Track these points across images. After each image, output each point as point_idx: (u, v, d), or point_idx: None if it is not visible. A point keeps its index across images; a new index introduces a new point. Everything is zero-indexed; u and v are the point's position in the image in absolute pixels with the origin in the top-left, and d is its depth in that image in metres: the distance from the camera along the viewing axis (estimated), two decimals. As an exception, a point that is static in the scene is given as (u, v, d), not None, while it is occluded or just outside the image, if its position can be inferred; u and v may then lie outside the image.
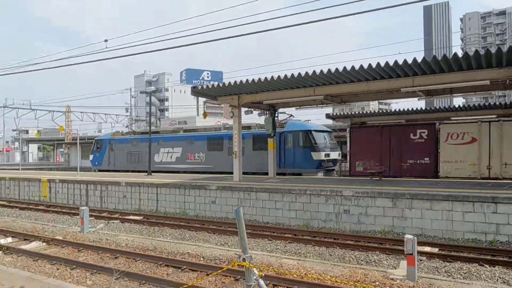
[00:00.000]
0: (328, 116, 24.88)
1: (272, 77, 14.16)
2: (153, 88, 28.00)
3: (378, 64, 12.10)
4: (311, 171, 21.70)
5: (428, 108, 21.67)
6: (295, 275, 7.83)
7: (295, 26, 12.02)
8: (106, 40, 15.13)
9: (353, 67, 12.59)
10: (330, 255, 10.12)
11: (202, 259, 9.73)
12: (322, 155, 21.43)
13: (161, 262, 9.50)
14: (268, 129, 19.10)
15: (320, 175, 21.96)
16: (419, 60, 11.62)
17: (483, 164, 17.75)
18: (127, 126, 31.68)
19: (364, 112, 25.98)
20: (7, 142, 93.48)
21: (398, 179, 17.76)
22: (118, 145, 31.36)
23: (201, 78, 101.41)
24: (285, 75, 13.87)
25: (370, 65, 12.25)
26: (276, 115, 19.96)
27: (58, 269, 9.52)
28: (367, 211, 12.51)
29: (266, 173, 20.50)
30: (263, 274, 3.41)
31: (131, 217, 16.35)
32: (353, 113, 24.44)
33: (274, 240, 11.80)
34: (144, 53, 16.96)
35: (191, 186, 16.44)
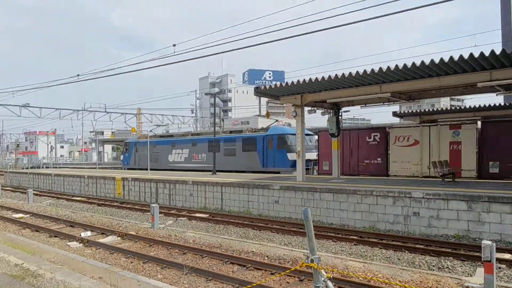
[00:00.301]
0: (395, 114, 23.90)
1: (336, 75, 13.89)
2: (216, 89, 28.70)
3: (451, 58, 11.38)
4: (287, 170, 23.83)
5: (507, 104, 20.03)
6: (361, 278, 7.61)
7: (359, 22, 11.68)
8: (174, 45, 15.82)
9: (422, 62, 11.96)
10: (399, 259, 9.71)
11: (266, 258, 9.80)
12: (295, 156, 22.27)
13: (227, 260, 9.71)
14: (332, 128, 18.76)
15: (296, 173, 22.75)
16: (498, 52, 10.75)
17: (424, 164, 19.60)
18: (150, 130, 34.65)
19: (435, 109, 24.59)
20: (85, 143, 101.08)
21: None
22: (141, 147, 34.69)
23: (263, 78, 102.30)
24: (350, 73, 13.54)
25: (441, 59, 11.56)
26: (340, 114, 19.55)
27: (132, 262, 10.11)
28: (439, 214, 11.82)
29: (254, 171, 24.93)
30: (331, 276, 3.34)
31: (198, 214, 16.91)
32: (422, 110, 23.23)
33: (339, 242, 11.57)
34: (209, 56, 17.42)
35: (255, 186, 16.63)
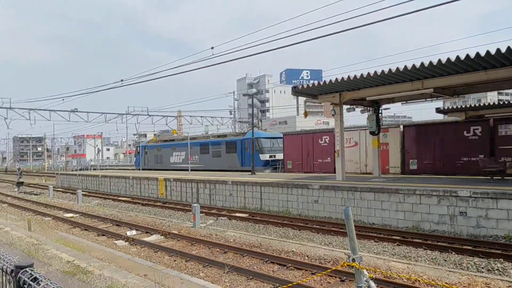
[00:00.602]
0: (438, 110, 22.99)
1: (375, 72, 13.60)
2: (254, 90, 28.88)
3: (498, 50, 10.83)
4: (259, 168, 27.31)
5: None
6: (405, 280, 7.41)
7: (399, 16, 11.35)
8: (212, 48, 15.97)
9: (467, 56, 11.46)
10: (445, 260, 9.37)
11: (306, 258, 9.76)
12: (267, 156, 28.00)
13: (267, 259, 9.76)
14: (372, 127, 18.37)
15: (267, 171, 27.63)
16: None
17: (362, 162, 22.95)
18: (158, 135, 37.92)
19: (481, 104, 23.38)
20: (130, 145, 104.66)
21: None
22: (149, 150, 39.40)
23: (300, 77, 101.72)
24: (389, 69, 13.21)
25: (488, 52, 11.02)
26: (380, 111, 19.10)
27: (175, 260, 10.39)
28: (488, 213, 11.28)
29: (236, 170, 27.75)
30: (373, 276, 3.30)
31: (237, 214, 17.10)
32: (467, 105, 22.22)
33: (381, 242, 11.33)
34: (246, 57, 17.57)
35: (294, 185, 16.59)
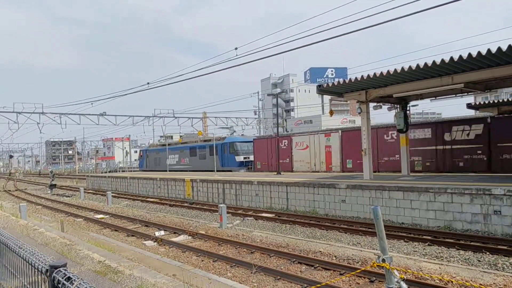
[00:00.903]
0: (469, 106, 22.31)
1: (402, 68, 13.31)
2: (278, 90, 28.84)
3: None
4: (236, 168, 32.20)
5: None
6: (437, 280, 7.22)
7: (427, 10, 11.04)
8: (236, 48, 16.03)
9: (499, 49, 11.04)
10: (479, 260, 9.06)
11: (334, 258, 9.65)
12: (241, 158, 32.55)
13: (294, 259, 9.71)
14: (399, 124, 17.98)
15: (242, 171, 31.94)
16: None
17: (312, 162, 26.36)
18: (159, 140, 43.47)
19: (515, 99, 22.51)
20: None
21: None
22: (149, 154, 44.76)
23: (325, 76, 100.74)
24: (417, 65, 12.89)
25: (522, 44, 10.59)
26: (408, 108, 18.68)
27: (202, 260, 10.48)
28: (525, 212, 10.83)
29: (218, 170, 30.93)
30: (405, 277, 3.21)
31: (264, 214, 17.09)
32: (500, 100, 21.44)
33: (411, 242, 11.07)
34: (270, 57, 17.51)
35: (320, 185, 16.44)
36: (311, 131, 30.52)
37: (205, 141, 36.50)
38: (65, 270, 1.74)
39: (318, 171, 25.43)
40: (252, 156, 31.72)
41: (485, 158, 18.27)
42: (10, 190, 40.76)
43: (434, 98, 17.82)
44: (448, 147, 19.47)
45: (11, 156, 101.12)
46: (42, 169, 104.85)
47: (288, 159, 28.05)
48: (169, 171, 37.33)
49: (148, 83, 22.25)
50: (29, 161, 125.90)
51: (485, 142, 18.30)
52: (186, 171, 35.88)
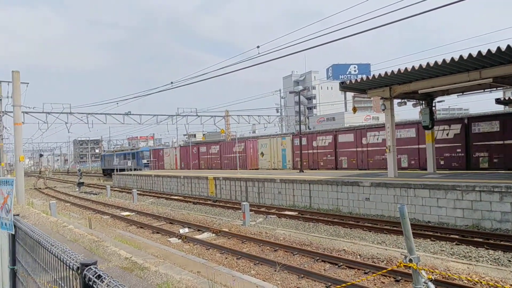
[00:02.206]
0: (498, 101, 21.63)
1: (428, 63, 13.01)
2: (300, 87, 28.69)
3: None
4: (142, 167, 47.02)
5: None
6: (465, 281, 7.04)
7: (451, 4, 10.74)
8: (258, 46, 16.02)
9: (531, 42, 10.64)
10: (509, 260, 8.80)
11: (358, 257, 9.55)
12: (145, 161, 47.92)
13: (318, 258, 9.66)
14: (425, 121, 17.57)
15: (146, 169, 45.57)
16: None
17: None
18: (121, 145, 59.33)
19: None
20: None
21: None
22: (106, 157, 61.99)
23: (347, 72, 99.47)
24: (443, 60, 12.57)
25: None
26: (434, 104, 18.24)
27: (226, 258, 10.56)
28: (558, 211, 10.44)
29: (134, 169, 43.83)
30: (433, 277, 3.15)
31: (287, 212, 17.07)
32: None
33: (438, 241, 10.84)
34: (292, 54, 17.43)
35: (343, 183, 16.29)
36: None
37: (131, 149, 57.41)
38: (96, 268, 1.79)
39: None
40: (149, 159, 47.47)
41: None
42: (40, 188, 42.10)
43: (461, 93, 17.32)
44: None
45: (41, 155, 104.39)
46: (70, 167, 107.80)
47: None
48: (117, 169, 49.05)
49: (171, 83, 22.55)
50: (58, 159, 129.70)
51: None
52: (124, 169, 46.68)
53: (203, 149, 38.50)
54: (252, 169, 31.75)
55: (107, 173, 57.03)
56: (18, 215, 3.89)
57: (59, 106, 34.75)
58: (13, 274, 3.83)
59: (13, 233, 3.79)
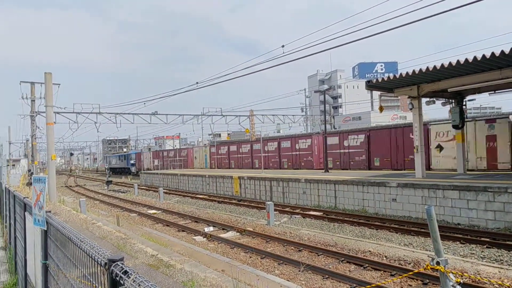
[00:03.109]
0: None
1: (458, 61, 12.64)
2: (326, 86, 28.41)
3: None
4: (131, 167, 60.05)
5: None
6: (496, 285, 6.82)
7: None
8: (283, 46, 15.94)
9: None
10: (545, 266, 8.44)
11: (384, 258, 9.40)
12: (132, 161, 60.47)
13: (343, 259, 9.57)
14: (455, 120, 17.09)
15: (133, 168, 59.07)
16: None
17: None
18: (125, 148, 72.12)
19: None
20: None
21: None
22: (109, 158, 78.00)
23: (374, 71, 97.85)
24: (474, 57, 12.19)
25: None
26: (464, 103, 17.72)
27: (250, 257, 10.60)
28: None
29: (124, 167, 65.16)
30: (461, 281, 3.07)
31: (311, 212, 16.96)
32: None
33: (468, 244, 10.52)
34: (317, 53, 17.31)
35: (370, 183, 16.05)
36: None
37: (124, 153, 71.57)
38: (122, 264, 1.84)
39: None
40: (134, 160, 60.05)
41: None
42: (71, 186, 43.43)
43: (493, 92, 16.76)
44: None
45: (71, 154, 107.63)
46: (99, 166, 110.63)
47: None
48: (114, 168, 67.78)
49: (197, 83, 22.83)
50: (87, 158, 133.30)
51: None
52: (116, 167, 66.85)
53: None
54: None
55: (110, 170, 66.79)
56: (50, 211, 4.03)
57: (88, 106, 35.75)
58: (45, 269, 3.96)
59: (45, 229, 3.93)
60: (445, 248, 10.18)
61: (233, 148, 38.78)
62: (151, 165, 52.96)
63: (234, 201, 22.41)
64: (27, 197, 5.73)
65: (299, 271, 8.89)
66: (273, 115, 48.41)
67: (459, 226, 12.52)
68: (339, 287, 7.91)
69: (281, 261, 9.78)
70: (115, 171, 66.61)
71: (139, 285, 1.61)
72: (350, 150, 26.08)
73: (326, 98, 28.23)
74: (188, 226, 15.32)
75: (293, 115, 51.21)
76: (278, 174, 23.75)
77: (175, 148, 67.51)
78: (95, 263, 2.17)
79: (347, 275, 8.35)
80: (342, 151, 26.65)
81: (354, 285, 7.74)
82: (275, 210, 16.39)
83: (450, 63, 12.87)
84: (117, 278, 1.78)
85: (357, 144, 25.58)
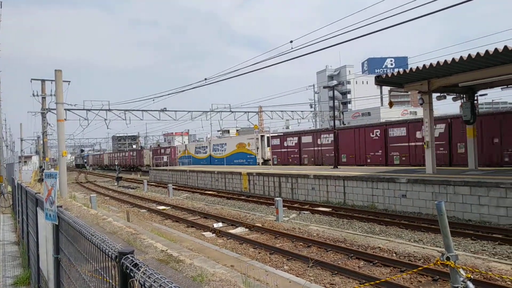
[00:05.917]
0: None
1: (469, 55, 12.46)
2: (335, 82, 28.24)
3: None
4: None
5: None
6: (508, 282, 6.74)
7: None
8: (291, 41, 15.86)
9: None
10: (558, 262, 8.33)
11: (394, 254, 9.36)
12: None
13: (352, 255, 9.54)
14: (466, 115, 16.89)
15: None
16: None
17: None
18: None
19: None
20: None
21: None
22: (91, 156, 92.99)
23: (384, 66, 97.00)
24: (486, 51, 12.01)
25: None
26: (476, 98, 17.49)
27: (259, 252, 10.62)
28: None
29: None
30: (472, 277, 3.04)
31: (320, 208, 16.93)
32: None
33: (479, 240, 10.42)
34: (326, 48, 17.15)
35: (379, 179, 15.96)
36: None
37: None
38: (132, 257, 1.86)
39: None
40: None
41: None
42: (81, 182, 43.91)
43: (505, 86, 16.52)
44: None
45: (82, 151, 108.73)
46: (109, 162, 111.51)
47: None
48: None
49: (205, 79, 22.78)
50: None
51: None
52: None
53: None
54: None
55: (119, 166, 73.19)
56: (61, 206, 4.08)
57: (98, 103, 35.97)
58: (57, 263, 4.02)
59: (57, 223, 3.98)
60: (455, 244, 10.10)
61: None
62: (151, 162, 53.52)
63: (243, 197, 22.45)
64: (39, 193, 5.81)
65: (308, 266, 8.88)
66: (281, 111, 48.26)
67: (470, 223, 12.40)
68: (348, 283, 7.89)
69: (290, 257, 9.79)
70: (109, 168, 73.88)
71: (149, 277, 1.62)
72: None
73: (335, 93, 28.03)
74: (198, 222, 15.39)
75: (302, 111, 51.02)
76: (287, 170, 23.71)
77: (169, 145, 70.50)
78: (106, 256, 2.19)
79: (356, 271, 8.33)
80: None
81: (364, 281, 7.72)
82: (284, 206, 16.38)
83: (461, 57, 12.70)
84: (127, 271, 1.79)
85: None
